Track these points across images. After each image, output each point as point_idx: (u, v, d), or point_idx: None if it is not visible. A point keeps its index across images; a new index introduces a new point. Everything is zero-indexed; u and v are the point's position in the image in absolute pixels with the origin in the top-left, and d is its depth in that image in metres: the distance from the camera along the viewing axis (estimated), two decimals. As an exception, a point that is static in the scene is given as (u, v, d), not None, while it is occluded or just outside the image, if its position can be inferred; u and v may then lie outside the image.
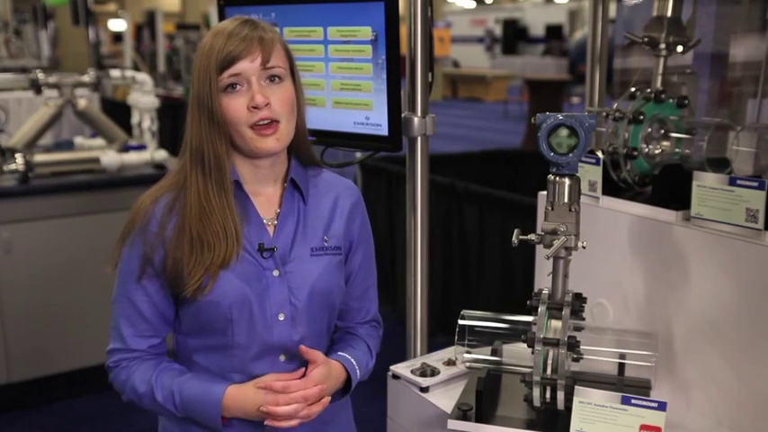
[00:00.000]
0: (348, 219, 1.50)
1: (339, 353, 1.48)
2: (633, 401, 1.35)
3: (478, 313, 1.68)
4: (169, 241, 1.35)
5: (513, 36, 23.25)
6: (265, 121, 1.33)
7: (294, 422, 1.34)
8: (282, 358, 1.41)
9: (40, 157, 3.59)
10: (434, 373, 1.71)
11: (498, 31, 23.43)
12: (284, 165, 1.45)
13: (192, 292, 1.33)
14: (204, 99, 1.31)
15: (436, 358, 1.79)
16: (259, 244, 1.38)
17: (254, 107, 1.31)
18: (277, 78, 1.34)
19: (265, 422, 1.35)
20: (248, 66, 1.31)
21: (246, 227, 1.38)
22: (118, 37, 11.70)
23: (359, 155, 2.52)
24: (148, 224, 1.36)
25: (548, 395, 1.43)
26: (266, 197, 1.43)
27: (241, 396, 1.35)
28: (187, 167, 1.37)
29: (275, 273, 1.39)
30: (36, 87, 3.71)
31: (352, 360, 1.47)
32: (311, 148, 1.49)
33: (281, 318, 1.39)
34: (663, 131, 1.78)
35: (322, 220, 1.46)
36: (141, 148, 3.89)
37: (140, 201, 1.39)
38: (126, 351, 1.40)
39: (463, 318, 1.67)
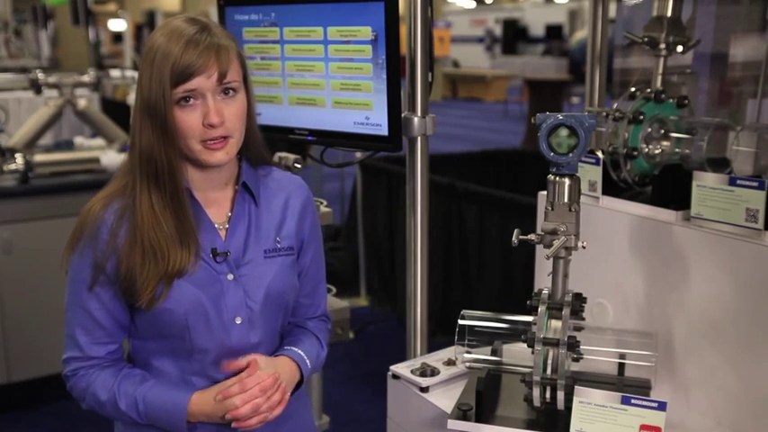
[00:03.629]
0: (300, 218, 1.49)
1: (286, 347, 1.48)
2: (633, 401, 1.35)
3: (478, 313, 1.68)
4: (121, 248, 1.32)
5: (513, 36, 23.25)
6: (217, 138, 1.32)
7: (260, 417, 1.34)
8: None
9: (40, 157, 3.59)
10: (434, 373, 1.71)
11: (498, 31, 23.44)
12: (234, 167, 1.44)
13: (147, 302, 1.32)
14: (156, 108, 1.28)
15: (436, 358, 1.79)
16: (212, 249, 1.38)
17: (210, 125, 1.30)
18: (231, 91, 1.32)
19: (232, 425, 1.35)
20: (204, 82, 1.28)
21: (199, 233, 1.37)
22: (118, 37, 11.67)
23: (359, 155, 2.52)
24: (98, 231, 1.33)
25: (548, 395, 1.43)
26: (217, 202, 1.42)
27: (205, 402, 1.36)
28: (136, 175, 1.33)
29: (230, 277, 1.38)
30: (36, 87, 3.71)
31: (300, 352, 1.48)
32: (262, 148, 1.48)
33: (239, 321, 1.39)
34: (663, 131, 1.78)
35: (274, 221, 1.45)
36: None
37: (89, 207, 1.35)
38: (83, 359, 1.39)
39: (463, 318, 1.67)
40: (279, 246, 1.45)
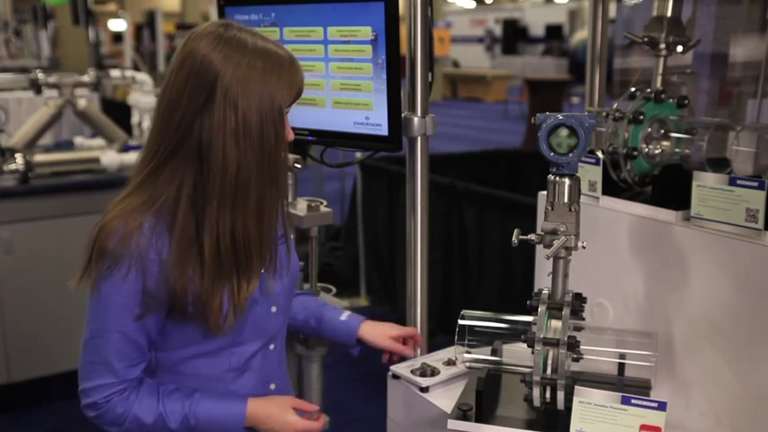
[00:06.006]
0: None
1: (354, 316, 1.73)
2: (633, 401, 1.35)
3: (478, 313, 1.68)
4: (175, 272, 1.28)
5: (513, 36, 23.27)
6: None
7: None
8: (272, 347, 1.47)
9: (40, 157, 3.59)
10: (434, 373, 1.71)
11: (498, 31, 23.45)
12: None
13: (217, 325, 1.33)
14: (270, 130, 1.28)
15: (436, 358, 1.78)
16: None
17: (290, 140, 1.36)
18: None
19: None
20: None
21: None
22: (118, 37, 11.69)
23: (359, 155, 2.52)
24: (146, 252, 1.27)
25: (548, 395, 1.43)
26: None
27: (263, 410, 1.41)
28: (220, 198, 1.27)
29: (262, 270, 1.41)
30: (36, 87, 3.72)
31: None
32: None
33: (274, 310, 1.44)
34: (663, 131, 1.78)
35: None
36: (141, 148, 3.88)
37: (121, 227, 1.27)
38: (118, 384, 1.34)
39: (463, 318, 1.67)
40: (281, 232, 1.48)
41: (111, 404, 1.34)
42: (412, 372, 1.71)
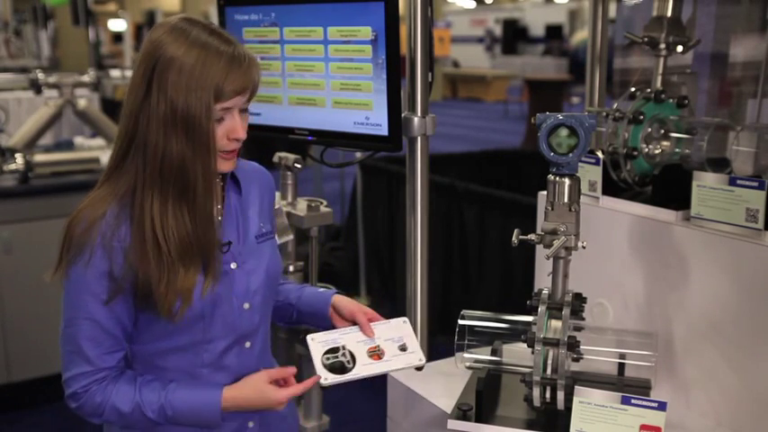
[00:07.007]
0: (269, 203, 1.55)
1: (329, 289, 1.63)
2: (633, 401, 1.35)
3: (478, 313, 1.68)
4: (132, 257, 1.30)
5: (513, 36, 23.26)
6: (234, 149, 1.36)
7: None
8: (247, 345, 1.46)
9: (40, 157, 3.59)
10: (345, 369, 1.46)
11: (498, 31, 23.44)
12: None
13: (168, 314, 1.32)
14: (197, 123, 1.28)
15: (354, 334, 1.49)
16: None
17: (236, 139, 1.33)
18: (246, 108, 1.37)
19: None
20: (239, 100, 1.32)
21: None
22: (118, 37, 11.70)
23: (359, 155, 2.52)
24: (110, 239, 1.30)
25: (548, 395, 1.43)
26: None
27: (238, 394, 1.39)
28: (148, 184, 1.30)
29: (233, 266, 1.41)
30: (36, 87, 3.72)
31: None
32: None
33: (246, 307, 1.43)
34: (663, 131, 1.78)
35: (254, 207, 1.49)
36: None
37: (87, 216, 1.31)
38: (94, 372, 1.36)
39: (463, 318, 1.67)
40: (264, 230, 1.49)
41: (89, 393, 1.36)
42: (326, 356, 1.45)
